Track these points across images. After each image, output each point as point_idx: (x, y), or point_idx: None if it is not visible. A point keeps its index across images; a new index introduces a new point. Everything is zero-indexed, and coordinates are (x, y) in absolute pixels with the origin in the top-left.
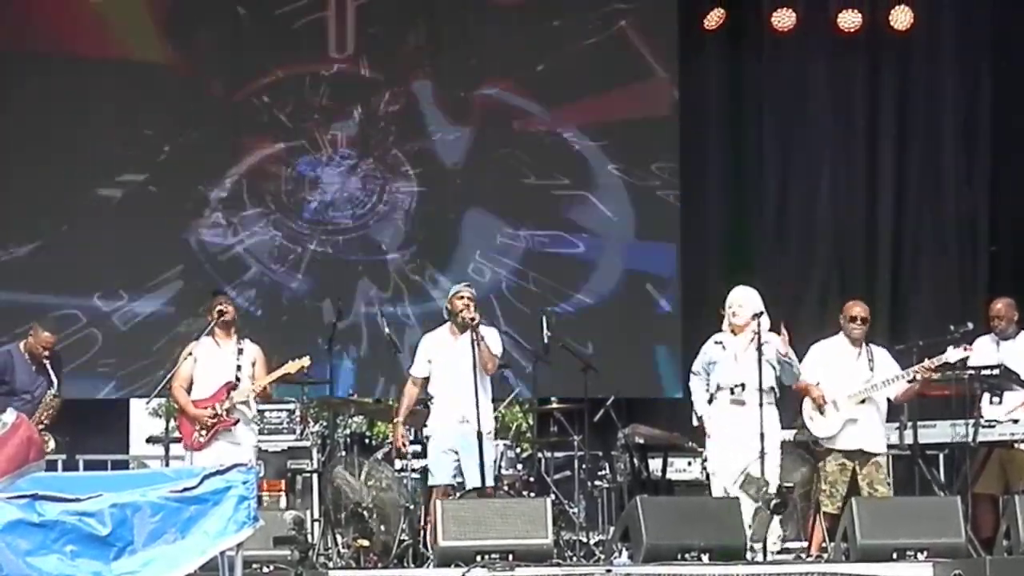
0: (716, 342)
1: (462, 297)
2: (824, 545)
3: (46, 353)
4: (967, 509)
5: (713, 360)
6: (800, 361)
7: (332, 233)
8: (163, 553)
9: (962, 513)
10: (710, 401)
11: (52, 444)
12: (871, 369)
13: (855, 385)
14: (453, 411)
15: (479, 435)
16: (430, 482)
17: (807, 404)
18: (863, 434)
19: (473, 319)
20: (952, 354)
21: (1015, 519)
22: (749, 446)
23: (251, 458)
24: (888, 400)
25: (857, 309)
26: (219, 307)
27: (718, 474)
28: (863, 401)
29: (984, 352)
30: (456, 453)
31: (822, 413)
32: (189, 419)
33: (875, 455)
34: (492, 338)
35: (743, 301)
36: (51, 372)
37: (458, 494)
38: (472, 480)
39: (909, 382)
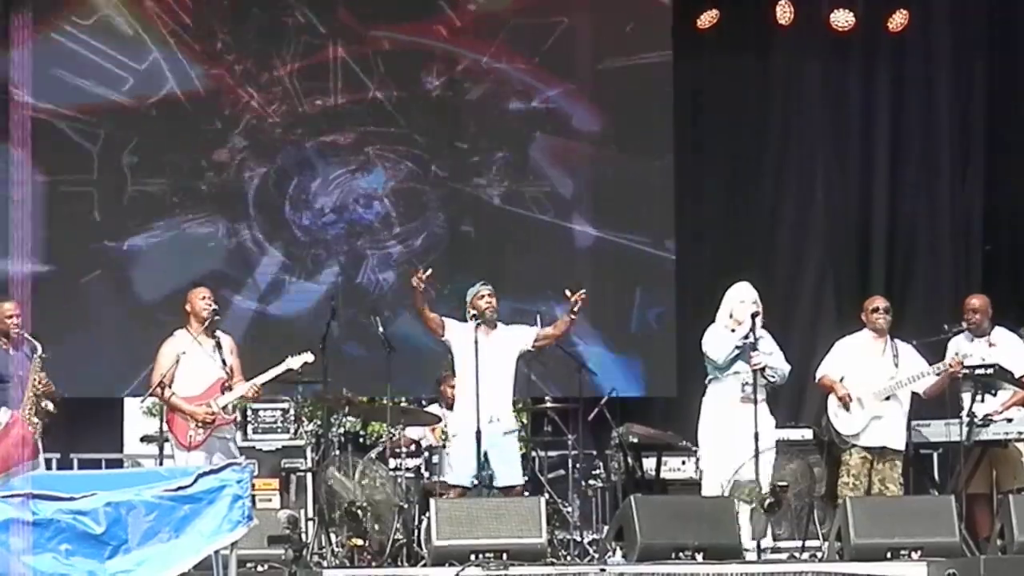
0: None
1: (482, 296)
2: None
3: (15, 323)
4: (961, 508)
5: (739, 345)
6: (825, 356)
7: None
8: (157, 552)
9: (956, 512)
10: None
11: (51, 406)
12: (896, 365)
13: (881, 381)
14: (482, 411)
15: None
16: (449, 480)
17: (832, 400)
18: (887, 431)
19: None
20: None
21: (1009, 518)
22: (748, 446)
23: (239, 457)
24: (915, 395)
25: (879, 300)
26: (212, 307)
27: (713, 473)
28: (888, 398)
29: (961, 351)
30: (485, 454)
31: (847, 410)
32: (184, 416)
33: (895, 452)
34: (524, 331)
35: (744, 298)
36: (29, 339)
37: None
38: (506, 478)
39: (938, 375)
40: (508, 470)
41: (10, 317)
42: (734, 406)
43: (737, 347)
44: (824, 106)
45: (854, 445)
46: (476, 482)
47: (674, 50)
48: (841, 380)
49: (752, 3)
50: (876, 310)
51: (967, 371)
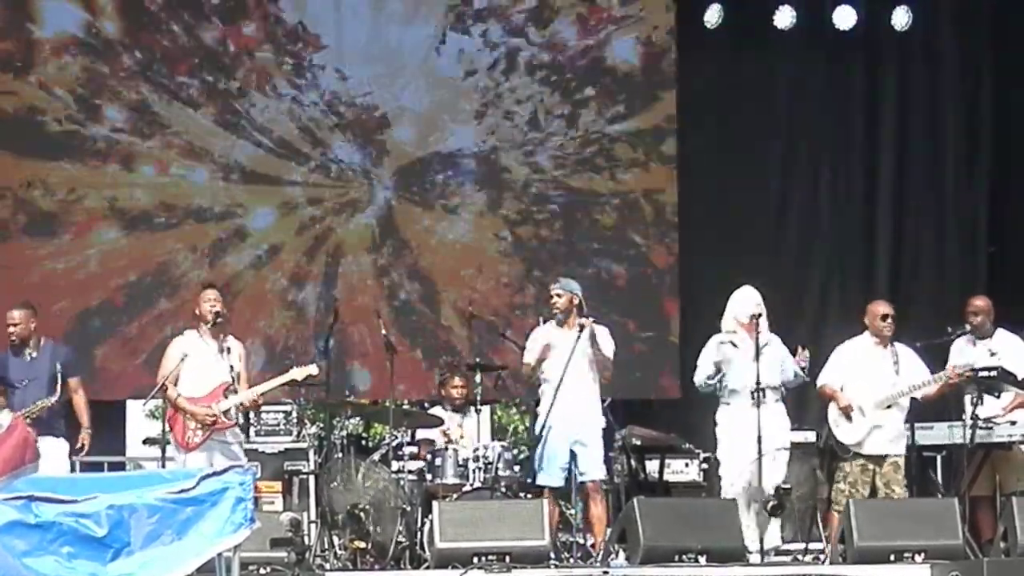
0: (724, 342)
1: (550, 296)
2: None
3: (32, 325)
4: (964, 511)
5: (728, 359)
6: (825, 364)
7: None
8: (160, 554)
9: (959, 515)
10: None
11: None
12: (897, 372)
13: (882, 389)
14: (571, 406)
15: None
16: (540, 482)
17: (832, 410)
18: (887, 439)
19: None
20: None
21: (1012, 520)
22: (765, 447)
23: (243, 460)
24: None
25: (884, 307)
26: (215, 308)
27: (730, 476)
28: (889, 406)
29: (964, 353)
30: (573, 453)
31: (849, 420)
32: (185, 416)
33: (895, 456)
34: (603, 337)
35: (747, 301)
36: (51, 365)
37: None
38: (593, 473)
39: (939, 384)
40: (596, 465)
41: (13, 325)
42: (745, 412)
43: (708, 378)
44: (828, 105)
45: (856, 454)
46: (567, 479)
47: (678, 48)
48: (842, 389)
49: (756, 1)
50: (884, 317)
51: (970, 374)
